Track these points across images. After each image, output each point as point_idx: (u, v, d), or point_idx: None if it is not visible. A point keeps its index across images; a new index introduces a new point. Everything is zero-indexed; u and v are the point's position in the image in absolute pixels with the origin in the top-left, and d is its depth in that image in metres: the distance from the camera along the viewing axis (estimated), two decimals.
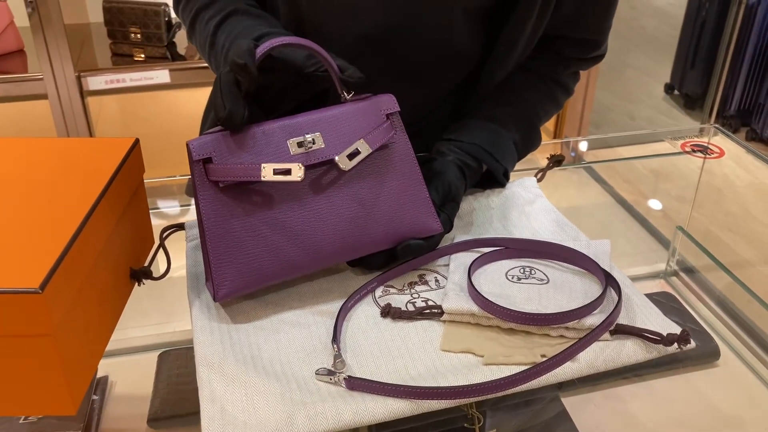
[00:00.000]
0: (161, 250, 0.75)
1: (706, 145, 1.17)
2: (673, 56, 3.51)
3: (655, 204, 1.20)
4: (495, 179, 0.88)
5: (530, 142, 0.92)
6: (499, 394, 0.60)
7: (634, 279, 0.82)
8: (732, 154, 1.17)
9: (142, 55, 2.27)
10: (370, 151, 0.68)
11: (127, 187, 0.68)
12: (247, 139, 0.65)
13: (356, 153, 0.67)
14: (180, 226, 0.78)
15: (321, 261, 0.69)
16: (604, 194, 1.22)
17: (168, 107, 2.55)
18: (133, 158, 0.70)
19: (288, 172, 0.63)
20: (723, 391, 0.80)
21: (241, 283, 0.66)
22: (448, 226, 0.78)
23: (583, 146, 1.37)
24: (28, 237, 0.57)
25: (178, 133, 1.82)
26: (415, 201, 0.72)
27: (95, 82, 2.15)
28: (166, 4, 2.24)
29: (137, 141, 0.71)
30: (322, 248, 0.68)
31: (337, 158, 0.67)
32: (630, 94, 3.66)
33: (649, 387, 0.79)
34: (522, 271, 0.74)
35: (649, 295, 0.79)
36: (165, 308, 0.97)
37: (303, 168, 0.64)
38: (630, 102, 3.60)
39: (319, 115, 0.68)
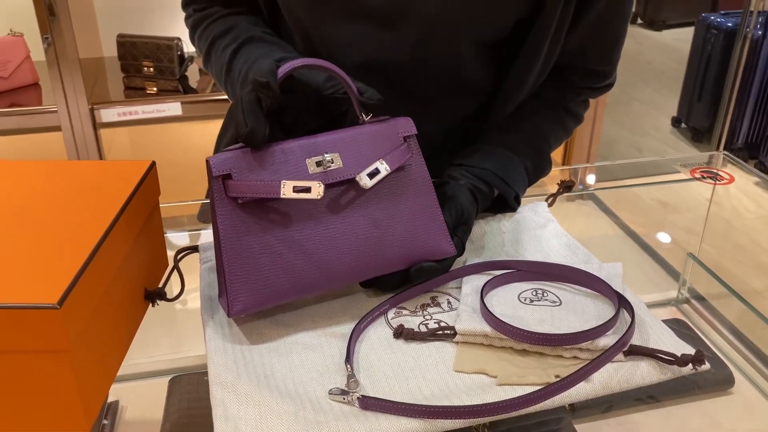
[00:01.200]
0: (175, 272, 0.75)
1: (716, 171, 1.17)
2: (679, 90, 3.54)
3: (663, 234, 1.21)
4: (506, 204, 0.88)
5: (541, 168, 0.93)
6: (513, 414, 0.60)
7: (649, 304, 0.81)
8: (741, 181, 1.17)
9: (155, 89, 2.30)
10: (389, 171, 0.68)
11: (143, 208, 0.69)
12: (266, 156, 0.66)
13: (376, 172, 0.68)
14: (194, 249, 0.79)
15: (335, 281, 0.69)
16: (612, 225, 1.22)
17: (179, 139, 2.57)
18: (149, 180, 0.71)
19: (308, 190, 0.64)
20: (738, 419, 0.79)
21: (256, 300, 0.66)
22: (461, 249, 0.78)
23: (590, 179, 1.38)
24: (46, 255, 0.58)
25: (188, 164, 1.83)
26: (429, 223, 0.73)
27: (108, 114, 2.18)
28: (179, 38, 2.28)
29: (153, 164, 0.72)
30: (336, 268, 0.68)
31: (357, 177, 0.67)
32: (637, 127, 3.68)
33: (664, 413, 0.78)
34: (534, 293, 0.74)
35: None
36: (176, 334, 0.97)
37: (323, 186, 0.64)
38: (637, 134, 3.61)
39: (338, 135, 0.69)
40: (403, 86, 0.83)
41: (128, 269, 0.66)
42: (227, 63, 0.84)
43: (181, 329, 0.97)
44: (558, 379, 0.62)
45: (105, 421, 0.80)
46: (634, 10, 4.89)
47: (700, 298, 1.05)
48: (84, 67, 2.13)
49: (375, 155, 0.69)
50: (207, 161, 0.66)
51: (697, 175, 1.13)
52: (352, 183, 0.69)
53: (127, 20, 2.40)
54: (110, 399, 0.83)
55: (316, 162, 0.67)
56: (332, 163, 0.68)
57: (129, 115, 2.21)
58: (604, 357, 0.63)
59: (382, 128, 0.71)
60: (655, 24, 4.83)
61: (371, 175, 0.68)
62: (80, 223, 0.61)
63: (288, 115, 0.71)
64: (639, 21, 4.92)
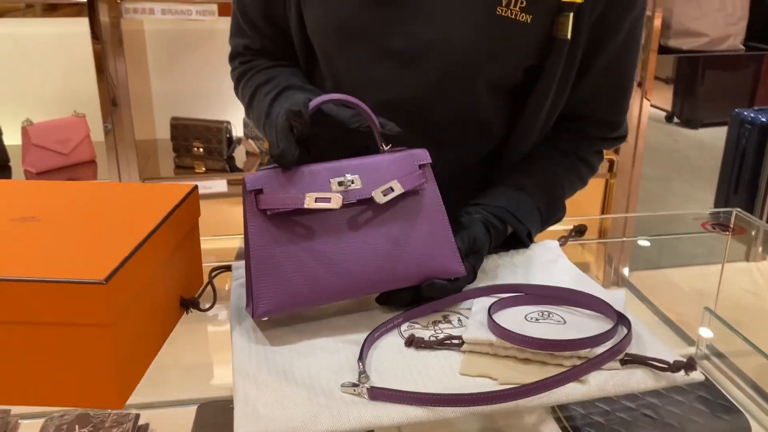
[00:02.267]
0: (209, 288, 0.82)
1: (730, 226, 1.21)
2: (715, 184, 3.57)
3: (678, 290, 1.23)
4: (519, 241, 0.94)
5: (554, 211, 0.99)
6: (511, 403, 0.64)
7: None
8: (753, 233, 1.21)
9: (203, 168, 2.44)
10: (402, 190, 0.76)
11: (184, 221, 0.77)
12: (295, 175, 0.74)
13: (390, 191, 0.75)
14: (228, 268, 0.86)
15: (353, 291, 0.76)
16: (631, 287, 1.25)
17: (224, 214, 2.70)
18: (190, 200, 0.79)
19: (328, 200, 0.72)
20: None
21: (279, 304, 0.73)
22: (472, 276, 0.84)
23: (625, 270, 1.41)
24: (98, 247, 0.66)
25: (233, 229, 1.93)
26: (441, 244, 0.79)
27: None
28: (228, 122, 2.44)
29: (195, 187, 0.81)
30: (354, 278, 0.75)
31: (373, 193, 0.75)
32: (673, 219, 3.69)
33: None
34: (540, 314, 0.79)
35: None
36: (206, 362, 1.03)
37: (341, 197, 0.72)
38: (672, 224, 3.62)
39: (360, 161, 0.78)
40: (423, 124, 0.92)
41: (166, 274, 0.74)
42: (267, 107, 0.94)
43: (208, 358, 1.02)
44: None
45: None
46: (670, 108, 5.01)
47: (719, 355, 1.06)
48: (138, 147, 2.29)
49: (391, 178, 0.77)
50: (243, 179, 0.74)
51: (709, 228, 1.17)
52: (370, 203, 0.76)
53: (181, 105, 2.57)
54: (141, 421, 0.88)
55: (339, 182, 0.75)
56: (352, 183, 0.75)
57: None
58: (601, 358, 0.67)
59: (399, 156, 0.79)
60: (692, 122, 4.92)
61: (385, 193, 0.75)
62: (129, 227, 0.70)
63: (317, 145, 0.80)
64: (676, 120, 5.02)
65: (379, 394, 0.65)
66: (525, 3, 0.86)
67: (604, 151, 1.06)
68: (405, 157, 0.79)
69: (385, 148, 0.80)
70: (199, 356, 1.01)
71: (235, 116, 2.50)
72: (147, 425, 0.88)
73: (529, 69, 0.92)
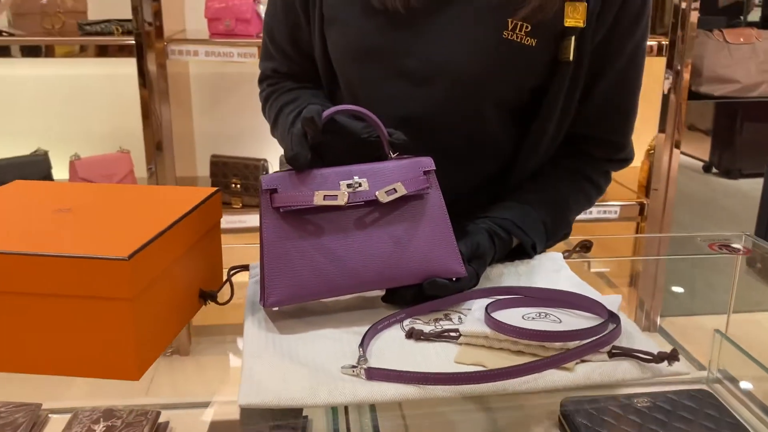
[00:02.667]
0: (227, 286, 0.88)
1: (739, 248, 1.23)
2: (753, 231, 3.54)
3: (688, 311, 1.25)
4: (524, 253, 0.99)
5: (560, 227, 1.03)
6: (499, 386, 0.68)
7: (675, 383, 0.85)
8: (759, 255, 1.22)
9: (240, 204, 2.53)
10: (405, 192, 0.81)
11: (206, 219, 0.84)
12: (307, 177, 0.81)
13: (393, 192, 0.81)
14: (245, 267, 0.93)
15: (357, 285, 0.81)
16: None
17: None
18: (212, 201, 0.86)
19: (335, 197, 0.78)
20: None
21: (288, 295, 0.79)
22: (475, 281, 0.89)
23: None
24: (123, 234, 0.73)
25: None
26: (443, 245, 0.84)
27: None
28: (266, 159, 2.54)
29: (218, 190, 0.88)
30: (359, 274, 0.80)
31: (377, 192, 0.81)
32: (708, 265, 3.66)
33: None
34: (538, 314, 0.83)
35: (685, 391, 0.84)
36: (226, 366, 1.08)
37: (347, 194, 0.78)
38: (707, 270, 3.59)
39: (368, 166, 0.84)
40: (434, 141, 0.97)
41: (186, 264, 0.80)
42: (289, 125, 1.01)
43: (231, 363, 1.07)
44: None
45: None
46: (708, 159, 4.99)
47: (731, 379, 1.07)
48: (179, 183, 2.40)
49: (396, 181, 0.83)
50: (260, 179, 0.81)
51: (716, 249, 1.20)
52: (376, 205, 0.82)
53: (221, 143, 2.69)
54: (162, 419, 0.94)
55: (347, 184, 0.81)
56: (360, 185, 0.82)
57: None
58: (586, 347, 0.71)
59: (406, 163, 0.85)
60: (730, 173, 4.89)
61: (389, 193, 0.81)
62: (153, 218, 0.76)
63: (330, 155, 0.86)
64: (714, 170, 5.00)
65: (375, 374, 0.70)
66: (530, 27, 0.93)
67: (638, 197, 1.10)
68: (411, 163, 0.85)
69: (392, 155, 0.86)
70: (220, 360, 1.07)
71: (272, 154, 2.59)
72: (167, 423, 0.94)
73: (535, 90, 0.98)
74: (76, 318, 0.68)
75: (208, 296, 0.85)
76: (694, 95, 2.93)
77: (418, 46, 0.96)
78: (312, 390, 0.67)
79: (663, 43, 2.40)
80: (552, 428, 0.86)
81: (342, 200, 0.78)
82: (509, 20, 0.92)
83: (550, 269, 0.96)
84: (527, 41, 0.93)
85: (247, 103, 2.69)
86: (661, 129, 2.48)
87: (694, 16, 2.36)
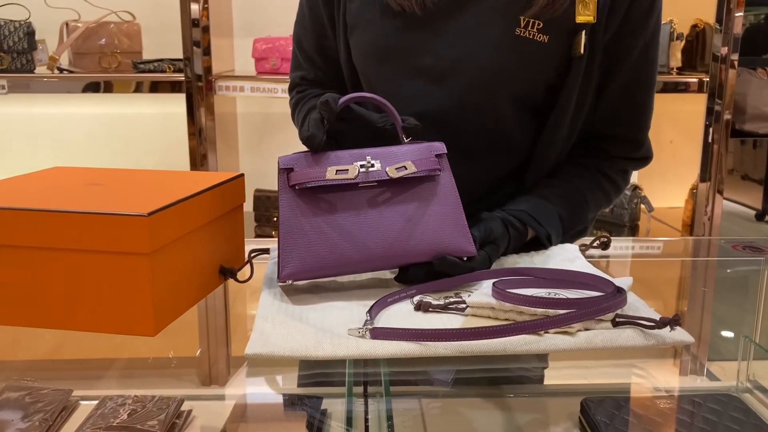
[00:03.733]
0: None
1: (764, 248, 1.22)
2: None
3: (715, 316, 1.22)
4: (539, 244, 1.00)
5: (576, 221, 1.04)
6: (499, 346, 0.70)
7: (702, 391, 0.87)
8: None
9: None
10: (415, 169, 0.85)
11: (228, 198, 0.89)
12: (322, 158, 0.85)
13: (403, 169, 0.85)
14: (266, 251, 0.96)
15: (368, 260, 0.84)
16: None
17: None
18: (235, 183, 0.91)
19: (346, 171, 0.82)
20: None
21: (302, 268, 0.82)
22: (487, 264, 0.90)
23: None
24: (146, 199, 0.77)
25: None
26: (453, 224, 0.86)
27: None
28: None
29: (241, 175, 0.93)
30: (371, 250, 0.83)
31: (387, 168, 0.84)
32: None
33: None
34: (547, 293, 0.84)
35: (711, 395, 0.84)
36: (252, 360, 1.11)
37: (357, 167, 0.82)
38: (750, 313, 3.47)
39: (381, 149, 0.88)
40: (451, 137, 1.00)
41: (207, 238, 0.85)
42: (307, 112, 1.06)
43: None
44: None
45: (177, 421, 0.94)
46: (761, 207, 4.88)
47: (762, 388, 1.05)
48: None
49: (407, 160, 0.86)
50: (278, 159, 0.86)
51: (740, 249, 1.18)
52: (388, 185, 0.85)
53: (265, 178, 2.77)
54: (184, 407, 0.97)
55: (360, 165, 0.85)
56: (372, 166, 0.85)
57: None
58: (588, 312, 0.72)
59: (418, 146, 0.89)
60: None
61: (398, 170, 0.84)
62: (178, 190, 0.81)
63: (347, 144, 0.91)
64: (767, 218, 4.88)
65: (378, 333, 0.72)
66: (542, 24, 0.96)
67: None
68: (423, 147, 0.89)
69: (406, 140, 0.90)
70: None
71: None
72: (190, 411, 0.96)
73: (549, 86, 1.01)
74: (98, 273, 0.72)
75: (228, 272, 0.88)
76: (737, 133, 2.90)
77: (434, 45, 1.00)
78: (316, 344, 0.70)
79: (704, 80, 2.40)
80: (572, 428, 0.86)
81: (353, 174, 0.82)
82: (521, 18, 0.96)
83: (564, 258, 0.97)
84: (540, 38, 0.97)
85: (291, 141, 2.77)
86: (703, 178, 2.45)
87: (733, 70, 2.34)
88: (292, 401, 0.80)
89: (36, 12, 2.40)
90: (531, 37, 0.97)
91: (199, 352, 0.96)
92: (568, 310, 0.74)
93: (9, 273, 0.74)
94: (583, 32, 0.96)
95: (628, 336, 0.73)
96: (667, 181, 2.75)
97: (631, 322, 0.74)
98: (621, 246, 1.41)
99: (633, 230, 2.65)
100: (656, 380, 0.87)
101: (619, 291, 0.79)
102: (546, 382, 0.87)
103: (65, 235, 0.72)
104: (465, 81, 1.00)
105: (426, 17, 1.00)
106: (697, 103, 2.44)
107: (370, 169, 0.85)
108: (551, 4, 0.95)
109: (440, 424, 0.82)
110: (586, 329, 0.74)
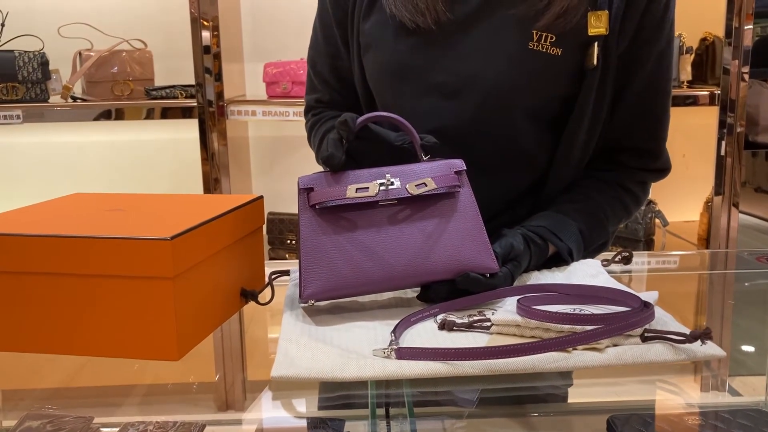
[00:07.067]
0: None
1: None
2: None
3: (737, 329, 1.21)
4: (561, 260, 0.99)
5: (597, 235, 1.03)
6: (528, 364, 0.68)
7: (730, 407, 0.85)
8: None
9: (295, 258, 2.59)
10: (435, 186, 0.84)
11: (248, 221, 0.89)
12: (341, 176, 0.85)
13: (423, 186, 0.84)
14: (286, 272, 0.96)
15: (392, 280, 0.83)
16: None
17: None
18: (254, 206, 0.91)
19: (366, 189, 0.82)
20: None
21: (323, 287, 0.81)
22: (509, 281, 0.90)
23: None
24: (168, 224, 0.77)
25: None
26: (475, 241, 0.86)
27: None
28: None
29: (261, 197, 0.93)
30: (393, 268, 0.83)
31: (407, 186, 0.84)
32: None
33: None
34: (573, 309, 0.83)
35: (740, 410, 0.81)
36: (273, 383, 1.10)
37: (378, 185, 0.81)
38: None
39: (401, 167, 0.87)
40: (467, 153, 1.00)
41: (228, 261, 0.84)
42: (325, 133, 1.06)
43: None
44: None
45: None
46: None
47: None
48: None
49: (426, 177, 0.86)
50: (298, 180, 0.85)
51: (764, 261, 1.17)
52: (409, 203, 0.85)
53: (277, 201, 2.77)
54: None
55: (380, 183, 0.85)
56: (392, 184, 0.85)
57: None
58: (616, 327, 0.71)
59: (438, 164, 0.88)
60: None
61: (418, 186, 0.84)
62: (198, 214, 0.81)
63: (366, 162, 0.90)
64: None
65: (404, 353, 0.71)
66: (555, 38, 0.96)
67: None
68: (442, 164, 0.88)
69: (425, 158, 0.89)
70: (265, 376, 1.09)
71: None
72: (204, 424, 0.96)
73: (564, 99, 1.01)
74: (121, 298, 0.72)
75: (249, 295, 0.88)
76: (751, 145, 2.88)
77: (447, 60, 1.00)
78: (342, 366, 0.69)
79: (715, 92, 2.40)
80: None
81: (373, 191, 0.82)
82: (534, 31, 0.96)
83: (587, 273, 0.97)
84: (553, 51, 0.97)
85: (303, 164, 2.78)
86: (717, 191, 2.43)
87: (744, 83, 2.33)
88: (314, 424, 0.79)
89: (49, 42, 2.42)
90: (544, 50, 0.97)
91: (218, 376, 0.96)
92: (595, 326, 0.73)
93: (33, 299, 0.74)
94: (596, 44, 0.96)
95: (657, 351, 0.72)
96: (681, 195, 2.73)
97: (661, 336, 0.73)
98: (637, 261, 1.39)
99: (648, 245, 2.63)
100: (682, 396, 0.86)
101: (646, 305, 0.78)
102: (570, 399, 0.86)
103: (89, 261, 0.72)
104: (479, 96, 1.00)
105: (439, 34, 1.00)
106: (709, 117, 2.43)
107: (390, 186, 0.85)
108: (564, 14, 0.95)
109: None
110: (615, 345, 0.73)
